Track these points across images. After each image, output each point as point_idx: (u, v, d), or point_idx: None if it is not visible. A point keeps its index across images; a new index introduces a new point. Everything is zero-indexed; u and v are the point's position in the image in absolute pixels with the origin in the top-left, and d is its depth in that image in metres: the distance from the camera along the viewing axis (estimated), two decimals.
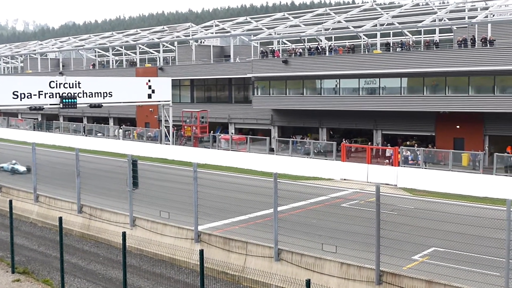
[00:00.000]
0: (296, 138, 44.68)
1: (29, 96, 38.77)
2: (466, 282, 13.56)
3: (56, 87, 39.99)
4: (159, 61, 67.84)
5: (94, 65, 75.72)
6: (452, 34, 44.82)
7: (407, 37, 49.95)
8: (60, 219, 15.16)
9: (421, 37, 53.00)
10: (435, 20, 45.96)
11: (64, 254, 15.20)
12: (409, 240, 17.76)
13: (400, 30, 48.82)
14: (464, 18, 45.81)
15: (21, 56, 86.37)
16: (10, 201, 17.46)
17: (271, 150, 42.43)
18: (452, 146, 39.51)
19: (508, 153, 35.81)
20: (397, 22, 48.78)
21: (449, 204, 27.66)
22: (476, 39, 39.12)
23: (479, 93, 38.40)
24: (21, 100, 38.58)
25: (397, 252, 15.78)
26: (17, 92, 38.28)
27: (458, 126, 40.55)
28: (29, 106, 39.27)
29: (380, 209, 14.02)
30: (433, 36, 51.57)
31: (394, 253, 15.12)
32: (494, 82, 37.57)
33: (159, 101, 48.39)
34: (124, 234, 13.64)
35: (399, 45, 44.29)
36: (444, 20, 46.67)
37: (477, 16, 42.77)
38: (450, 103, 39.13)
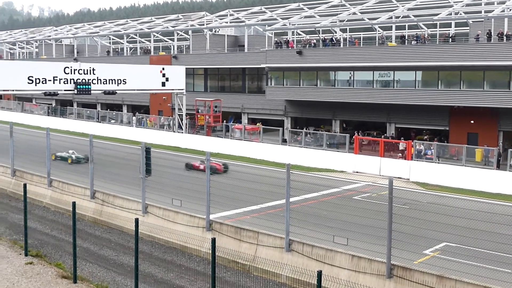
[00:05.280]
0: (309, 130, 44.61)
1: (44, 82, 39.01)
2: (477, 278, 13.52)
3: (71, 73, 40.20)
4: (173, 49, 67.85)
5: (108, 52, 75.87)
6: (468, 28, 44.45)
7: (422, 30, 49.63)
8: (74, 204, 15.24)
9: (436, 30, 52.64)
10: (451, 14, 45.59)
11: (76, 238, 15.31)
12: (421, 235, 17.75)
13: (416, 23, 48.51)
14: (480, 12, 45.41)
15: (36, 42, 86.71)
16: (25, 185, 17.56)
17: (284, 141, 42.40)
18: (466, 141, 39.29)
19: None
20: (413, 15, 48.45)
21: (462, 199, 27.57)
22: (492, 34, 38.79)
23: (494, 88, 38.12)
24: (36, 85, 38.83)
25: (409, 246, 15.77)
26: (32, 77, 38.53)
27: (472, 121, 40.30)
28: (43, 92, 39.51)
29: (392, 203, 14.00)
30: (449, 30, 51.17)
31: (405, 247, 15.12)
32: (510, 77, 37.23)
33: (173, 90, 48.47)
34: (137, 220, 13.71)
35: (414, 38, 44.02)
36: (460, 14, 46.29)
37: (493, 10, 42.36)
38: (464, 98, 38.88)
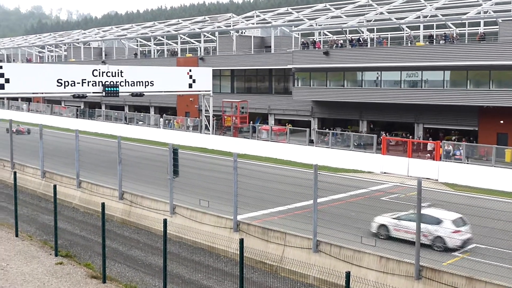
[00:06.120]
0: (336, 130, 44.46)
1: (72, 84, 39.49)
2: (508, 280, 13.34)
3: (99, 76, 40.62)
4: (200, 51, 68.15)
5: (136, 54, 76.48)
6: (498, 27, 43.83)
7: (450, 29, 49.09)
8: (103, 204, 15.40)
9: (465, 30, 52.03)
10: (479, 13, 45.04)
11: (105, 239, 15.46)
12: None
13: (444, 22, 48.01)
14: (510, 10, 44.75)
15: (65, 45, 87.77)
16: (55, 186, 17.80)
17: (311, 142, 42.30)
18: (495, 141, 38.75)
19: None
20: (441, 14, 47.96)
21: (491, 200, 27.19)
22: None
23: None
24: (65, 88, 39.32)
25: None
26: (61, 80, 39.02)
27: (501, 121, 39.75)
28: (72, 94, 40.01)
29: (421, 203, 13.88)
30: (478, 29, 50.53)
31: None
32: None
33: (200, 91, 48.69)
34: (165, 221, 13.79)
35: (443, 38, 43.58)
36: (489, 13, 45.69)
37: None
38: (494, 98, 38.36)
